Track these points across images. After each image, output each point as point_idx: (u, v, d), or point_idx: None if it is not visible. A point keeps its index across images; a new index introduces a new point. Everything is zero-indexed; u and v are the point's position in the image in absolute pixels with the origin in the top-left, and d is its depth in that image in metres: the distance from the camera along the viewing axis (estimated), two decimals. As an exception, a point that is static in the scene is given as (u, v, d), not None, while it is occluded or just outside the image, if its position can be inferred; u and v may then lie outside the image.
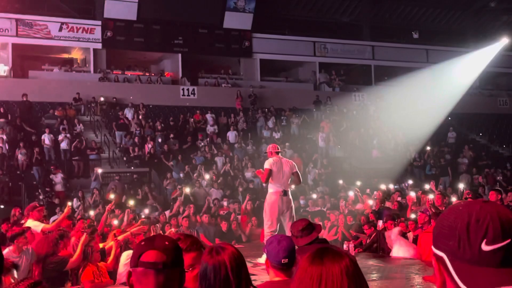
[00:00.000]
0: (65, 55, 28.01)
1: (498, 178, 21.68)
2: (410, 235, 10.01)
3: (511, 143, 27.78)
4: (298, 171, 9.44)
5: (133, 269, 2.10)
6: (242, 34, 28.55)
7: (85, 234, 7.38)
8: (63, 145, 20.50)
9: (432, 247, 1.34)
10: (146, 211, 14.08)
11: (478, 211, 1.27)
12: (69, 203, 10.32)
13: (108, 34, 26.43)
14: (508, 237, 1.23)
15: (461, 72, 28.96)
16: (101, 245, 8.19)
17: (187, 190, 16.46)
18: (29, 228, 7.37)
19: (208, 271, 2.37)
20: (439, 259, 1.30)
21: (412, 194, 12.67)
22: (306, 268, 1.71)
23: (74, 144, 20.43)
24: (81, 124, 22.34)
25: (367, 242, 10.92)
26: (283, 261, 3.21)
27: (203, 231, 12.17)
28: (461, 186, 15.45)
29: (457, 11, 32.35)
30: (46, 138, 20.48)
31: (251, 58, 29.21)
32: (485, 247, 1.23)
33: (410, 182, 16.79)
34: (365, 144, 24.30)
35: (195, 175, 19.24)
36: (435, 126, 25.08)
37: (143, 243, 2.15)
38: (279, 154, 9.36)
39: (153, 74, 28.04)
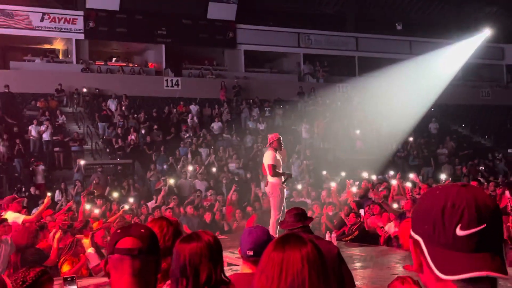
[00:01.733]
0: (47, 46, 27.70)
1: (480, 168, 21.89)
2: (391, 225, 10.08)
3: (493, 134, 28.06)
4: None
5: (109, 256, 2.12)
6: (226, 25, 28.45)
7: (60, 231, 7.29)
8: (45, 137, 20.31)
9: (410, 231, 1.34)
10: (130, 200, 14.03)
11: (455, 195, 1.26)
12: (49, 194, 10.21)
13: (91, 24, 26.18)
14: (483, 222, 1.23)
15: (444, 64, 29.12)
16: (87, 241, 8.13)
17: (171, 181, 16.43)
18: (5, 219, 7.28)
19: (181, 258, 2.35)
20: (416, 243, 1.30)
21: (394, 182, 12.75)
22: (269, 254, 1.71)
23: (56, 136, 20.27)
24: (63, 116, 22.15)
25: (350, 231, 10.97)
26: (248, 253, 3.17)
27: (186, 222, 12.14)
28: (443, 176, 15.57)
29: (440, 3, 32.52)
30: (33, 130, 20.27)
31: (235, 49, 29.13)
32: (459, 232, 1.22)
33: (392, 173, 16.88)
34: (349, 135, 24.38)
35: (179, 166, 19.18)
36: (418, 117, 25.23)
37: (119, 230, 2.17)
38: (282, 146, 9.27)
39: (136, 65, 27.84)
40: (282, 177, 9.05)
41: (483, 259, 1.22)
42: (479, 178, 13.85)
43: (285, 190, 9.27)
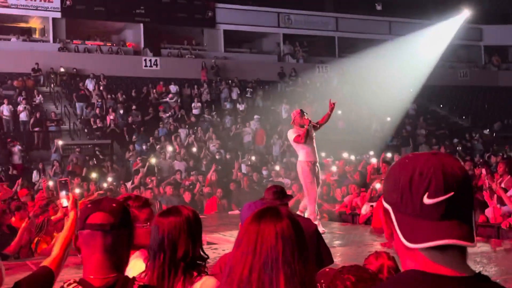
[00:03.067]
0: (23, 24, 27.17)
1: (457, 148, 22.15)
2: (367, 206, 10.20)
3: (470, 114, 28.37)
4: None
5: (79, 232, 2.07)
6: (206, 4, 28.19)
7: (26, 220, 7.19)
8: (23, 117, 20.05)
9: (382, 200, 1.34)
10: (109, 180, 13.96)
11: (423, 164, 1.25)
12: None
13: (68, 3, 25.73)
14: (450, 190, 1.22)
15: (425, 46, 29.20)
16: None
17: (152, 161, 16.36)
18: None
19: (160, 232, 2.33)
20: (386, 212, 1.30)
21: (373, 160, 12.85)
22: (245, 228, 1.69)
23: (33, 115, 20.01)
24: (40, 95, 21.85)
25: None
26: None
27: (165, 202, 12.12)
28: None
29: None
30: (5, 109, 19.99)
31: (214, 29, 28.91)
32: (426, 201, 1.22)
33: (371, 153, 17.00)
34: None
35: (158, 147, 19.10)
36: (397, 97, 25.36)
37: (89, 205, 2.10)
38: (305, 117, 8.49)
39: (114, 45, 27.49)
40: (308, 126, 8.24)
41: (450, 227, 1.21)
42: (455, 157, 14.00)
43: (316, 167, 8.49)
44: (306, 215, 8.04)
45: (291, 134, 8.51)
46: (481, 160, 14.60)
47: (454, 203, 1.22)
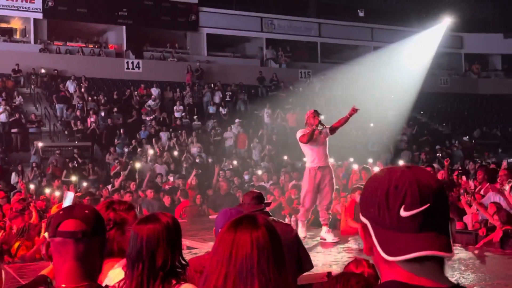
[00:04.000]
0: (4, 25, 26.86)
1: (438, 154, 22.35)
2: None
3: (450, 121, 28.66)
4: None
5: (51, 239, 2.02)
6: (189, 7, 28.14)
7: (1, 232, 7.08)
8: (2, 118, 19.82)
9: (360, 214, 1.35)
10: (84, 184, 13.84)
11: (398, 177, 1.27)
12: None
13: (50, 3, 25.50)
14: (426, 202, 1.24)
15: (409, 54, 29.36)
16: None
17: (137, 165, 16.22)
18: None
19: (138, 240, 2.30)
20: (364, 226, 1.31)
21: (355, 166, 12.88)
22: (221, 236, 1.70)
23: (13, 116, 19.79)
24: (20, 96, 21.60)
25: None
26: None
27: (146, 206, 12.03)
28: (401, 163, 15.83)
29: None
30: (-17, 110, 19.76)
31: (197, 32, 28.87)
32: (403, 213, 1.23)
33: (351, 159, 17.07)
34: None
35: (139, 150, 18.99)
36: (379, 104, 25.55)
37: (61, 212, 2.05)
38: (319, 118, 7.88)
39: (96, 46, 27.30)
40: (315, 127, 7.67)
41: (427, 238, 1.23)
42: (432, 164, 14.13)
43: (323, 172, 7.79)
44: (324, 234, 8.00)
45: (298, 134, 7.94)
46: (460, 168, 14.74)
47: (431, 215, 1.24)
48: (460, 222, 8.20)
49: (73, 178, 15.41)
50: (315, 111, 8.05)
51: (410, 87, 27.37)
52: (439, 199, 1.26)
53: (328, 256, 7.04)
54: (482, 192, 8.64)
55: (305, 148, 7.87)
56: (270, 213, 4.57)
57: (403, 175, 1.27)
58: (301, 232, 7.78)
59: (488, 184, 8.66)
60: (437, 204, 1.25)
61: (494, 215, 7.30)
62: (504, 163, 12.78)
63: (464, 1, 29.88)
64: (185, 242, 8.10)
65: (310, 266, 4.35)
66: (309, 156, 7.87)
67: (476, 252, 6.48)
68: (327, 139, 8.04)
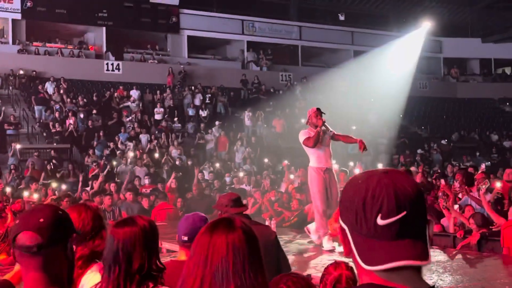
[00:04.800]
0: (-19, 25, 26.54)
1: (417, 158, 22.54)
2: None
3: (429, 124, 28.93)
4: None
5: (13, 249, 1.95)
6: (170, 9, 28.05)
7: None
8: (-21, 119, 19.56)
9: (339, 218, 1.35)
10: (63, 187, 13.70)
11: (375, 185, 1.27)
12: None
13: (28, 4, 25.23)
14: (402, 210, 1.24)
15: (389, 58, 29.53)
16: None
17: (114, 163, 16.13)
18: None
19: (115, 243, 2.28)
20: (343, 231, 1.32)
21: (336, 167, 12.92)
22: (198, 239, 1.70)
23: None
24: (-2, 98, 21.35)
25: (290, 218, 11.11)
26: (183, 238, 3.18)
27: (125, 208, 11.94)
28: (379, 165, 15.94)
29: (381, -5, 33.10)
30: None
31: (178, 34, 28.78)
32: (380, 221, 1.24)
33: (333, 162, 17.12)
34: (291, 124, 24.56)
35: (118, 152, 18.85)
36: (361, 107, 25.70)
37: (18, 221, 1.97)
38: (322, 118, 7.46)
39: (76, 48, 27.07)
40: (320, 128, 7.26)
41: (404, 247, 1.23)
42: (411, 168, 14.25)
43: (329, 174, 7.44)
44: (312, 230, 7.66)
45: (301, 136, 7.53)
46: (439, 171, 14.90)
47: (407, 222, 1.24)
48: (438, 225, 8.27)
49: (52, 181, 15.24)
50: (318, 109, 7.57)
51: (392, 91, 27.59)
52: (416, 206, 1.26)
53: (309, 259, 7.05)
54: (460, 195, 8.74)
55: (308, 149, 7.46)
56: (249, 216, 4.55)
57: (380, 182, 1.27)
58: (327, 244, 7.30)
59: (466, 186, 8.75)
60: (414, 211, 1.25)
61: (470, 219, 7.38)
62: (482, 167, 12.95)
63: (443, 6, 30.20)
64: (165, 245, 8.06)
65: (288, 269, 4.34)
66: (315, 157, 7.43)
67: (454, 254, 6.54)
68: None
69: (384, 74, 27.89)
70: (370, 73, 27.77)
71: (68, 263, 1.99)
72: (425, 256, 1.24)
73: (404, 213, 1.23)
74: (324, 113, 7.51)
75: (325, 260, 6.44)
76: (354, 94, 26.30)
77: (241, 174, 16.86)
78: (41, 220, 1.91)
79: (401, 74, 29.20)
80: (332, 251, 7.05)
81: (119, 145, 19.52)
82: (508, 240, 6.29)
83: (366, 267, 1.24)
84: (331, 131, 7.60)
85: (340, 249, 6.93)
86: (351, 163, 15.50)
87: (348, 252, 1.32)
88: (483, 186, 7.80)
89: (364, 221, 1.25)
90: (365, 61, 29.16)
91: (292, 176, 13.76)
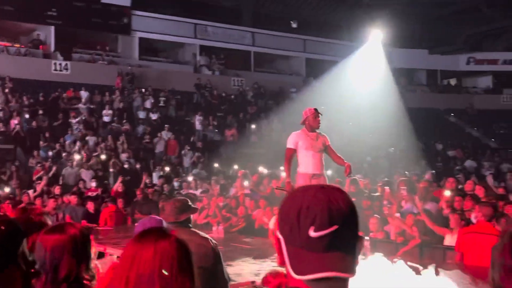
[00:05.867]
0: None
1: (364, 165, 22.90)
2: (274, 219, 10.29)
3: (377, 133, 29.43)
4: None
5: None
6: (121, 10, 27.65)
7: None
8: None
9: (276, 229, 1.40)
10: (6, 190, 13.31)
11: (311, 199, 1.33)
12: None
13: (-27, 0, 24.43)
14: (335, 224, 1.30)
15: (348, 68, 29.90)
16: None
17: (62, 170, 15.76)
18: None
19: (42, 250, 2.22)
20: (279, 241, 1.37)
21: (283, 174, 12.99)
22: (128, 245, 1.72)
23: None
24: None
25: (237, 223, 11.11)
26: None
27: (69, 212, 11.68)
28: (329, 172, 16.06)
29: (333, 4, 33.56)
30: None
31: (129, 36, 28.40)
32: (312, 234, 1.30)
33: (282, 168, 17.22)
34: (243, 129, 24.63)
35: (64, 154, 18.43)
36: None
37: None
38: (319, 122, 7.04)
39: (23, 46, 26.33)
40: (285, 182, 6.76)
41: (333, 259, 1.30)
42: (357, 176, 14.46)
43: (317, 180, 6.90)
44: None
45: (289, 141, 7.05)
46: (385, 179, 15.16)
47: (338, 236, 1.31)
48: (381, 232, 8.42)
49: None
50: (316, 110, 7.06)
51: (343, 100, 28.00)
52: (348, 221, 1.33)
53: (254, 265, 7.05)
54: (403, 203, 8.92)
55: (301, 151, 6.96)
56: (191, 225, 4.45)
57: (316, 196, 1.33)
58: None
59: (409, 195, 8.94)
60: (345, 226, 1.32)
61: (413, 227, 7.55)
62: (427, 175, 13.29)
63: (392, 17, 30.85)
64: (109, 250, 7.92)
65: (224, 282, 4.23)
66: (303, 162, 6.97)
67: (396, 261, 6.67)
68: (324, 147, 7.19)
69: (341, 83, 28.21)
70: (326, 81, 28.07)
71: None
72: (352, 269, 1.32)
73: (336, 227, 1.30)
74: (321, 114, 7.06)
75: (270, 267, 6.45)
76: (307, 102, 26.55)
77: (190, 178, 16.75)
78: None
79: (347, 81, 29.67)
80: None
81: (66, 147, 19.10)
82: (464, 245, 6.39)
83: (296, 277, 1.30)
84: (323, 135, 7.18)
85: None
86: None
87: (281, 262, 1.37)
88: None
89: (298, 232, 1.31)
90: (319, 69, 29.48)
91: (246, 183, 13.74)
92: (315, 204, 1.32)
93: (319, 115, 6.95)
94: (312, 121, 6.95)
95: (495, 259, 1.12)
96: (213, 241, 4.09)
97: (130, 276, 1.64)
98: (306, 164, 6.86)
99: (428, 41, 35.10)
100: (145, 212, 10.24)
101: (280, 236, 1.36)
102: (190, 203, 4.44)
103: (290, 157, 6.88)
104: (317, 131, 7.00)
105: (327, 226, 1.29)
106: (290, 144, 6.93)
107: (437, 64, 35.55)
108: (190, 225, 4.35)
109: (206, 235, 4.18)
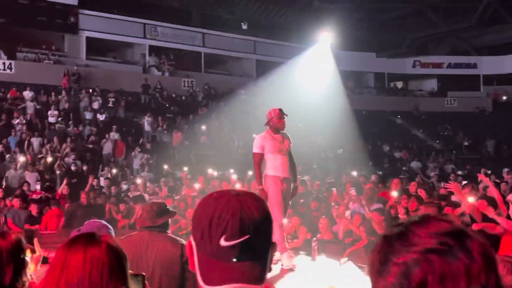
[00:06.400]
0: None
1: (314, 166, 23.15)
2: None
3: (326, 134, 29.83)
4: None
5: None
6: (68, 9, 27.06)
7: None
8: None
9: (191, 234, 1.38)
10: None
11: (223, 207, 1.31)
12: None
13: None
14: (246, 233, 1.28)
15: (299, 70, 30.14)
16: None
17: (5, 172, 15.30)
18: None
19: None
20: (191, 247, 1.34)
21: (234, 176, 13.02)
22: (58, 251, 1.72)
23: None
24: None
25: (186, 226, 11.03)
26: None
27: (12, 216, 11.30)
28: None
29: (283, 7, 33.80)
30: None
31: (76, 35, 27.81)
32: (223, 243, 1.27)
33: (232, 170, 17.24)
34: (193, 130, 24.46)
35: (7, 156, 17.87)
36: (255, 117, 26.04)
37: None
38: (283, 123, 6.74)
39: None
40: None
41: (241, 269, 1.28)
42: (305, 177, 14.61)
43: (286, 184, 6.57)
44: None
45: (256, 142, 6.70)
46: (332, 180, 15.38)
47: (249, 246, 1.29)
48: (329, 233, 8.51)
49: None
50: (281, 110, 6.70)
51: (294, 102, 28.19)
52: (260, 230, 1.31)
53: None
54: (350, 204, 9.05)
55: (267, 155, 6.60)
56: (168, 229, 4.36)
57: (228, 204, 1.31)
58: (287, 262, 6.34)
59: (356, 195, 9.08)
60: (257, 235, 1.30)
61: (360, 227, 7.66)
62: (373, 177, 13.53)
63: (340, 20, 31.31)
64: (51, 254, 7.69)
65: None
66: (272, 165, 6.58)
67: (342, 261, 6.74)
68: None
69: (292, 85, 28.41)
70: (275, 83, 28.22)
71: None
72: (261, 279, 1.30)
73: (247, 237, 1.28)
74: (287, 115, 6.70)
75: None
76: (257, 101, 26.64)
77: (138, 180, 16.51)
78: None
79: (295, 84, 29.98)
80: (291, 269, 6.27)
81: (11, 149, 18.54)
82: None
83: (204, 286, 1.28)
84: (288, 136, 6.85)
85: (305, 266, 6.59)
86: (250, 173, 15.61)
87: (193, 268, 1.35)
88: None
89: (208, 240, 1.29)
90: (269, 71, 29.63)
91: (197, 186, 13.65)
92: (226, 213, 1.29)
93: (284, 115, 6.66)
94: (277, 122, 6.62)
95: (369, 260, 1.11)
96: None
97: (60, 283, 1.61)
98: (275, 168, 6.53)
99: (375, 44, 35.78)
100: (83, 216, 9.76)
101: (193, 242, 1.33)
102: (168, 207, 4.34)
103: (259, 162, 6.58)
104: (282, 132, 6.73)
105: (238, 236, 1.27)
106: (256, 149, 6.61)
107: (384, 67, 36.34)
108: (167, 230, 4.26)
109: (181, 241, 4.12)
